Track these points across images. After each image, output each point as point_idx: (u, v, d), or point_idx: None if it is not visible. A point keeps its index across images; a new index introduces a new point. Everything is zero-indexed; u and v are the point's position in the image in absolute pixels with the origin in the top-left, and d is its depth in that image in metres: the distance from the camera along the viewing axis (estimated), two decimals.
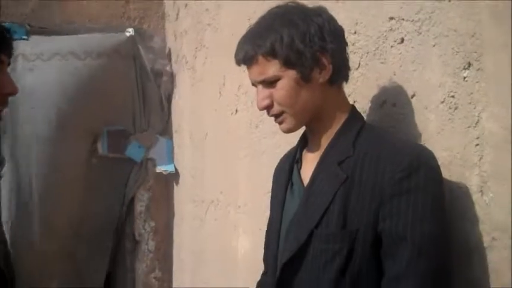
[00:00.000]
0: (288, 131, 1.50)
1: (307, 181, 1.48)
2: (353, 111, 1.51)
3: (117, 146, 3.21)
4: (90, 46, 3.10)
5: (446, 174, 1.43)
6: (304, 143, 1.57)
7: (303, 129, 1.57)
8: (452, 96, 1.42)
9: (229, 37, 2.58)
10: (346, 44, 1.51)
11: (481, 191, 1.35)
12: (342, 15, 1.82)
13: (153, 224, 3.27)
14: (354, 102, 1.77)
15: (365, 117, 1.72)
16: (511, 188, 1.27)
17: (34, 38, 3.05)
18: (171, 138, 3.28)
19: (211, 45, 2.81)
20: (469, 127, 1.38)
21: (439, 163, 1.43)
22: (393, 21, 1.61)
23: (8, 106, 1.51)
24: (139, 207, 3.28)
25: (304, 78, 1.43)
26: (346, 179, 1.38)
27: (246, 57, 1.45)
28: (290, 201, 1.52)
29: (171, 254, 3.32)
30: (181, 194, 3.21)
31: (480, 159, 1.35)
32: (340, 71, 1.48)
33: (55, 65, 3.04)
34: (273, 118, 1.54)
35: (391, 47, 1.62)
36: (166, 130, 3.28)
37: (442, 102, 1.45)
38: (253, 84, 1.50)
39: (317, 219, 1.39)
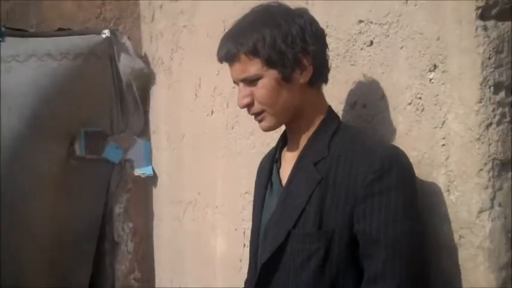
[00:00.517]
0: (268, 129, 1.52)
1: (285, 181, 1.50)
2: (329, 111, 1.53)
3: (94, 147, 3.20)
4: (66, 47, 3.08)
5: (415, 173, 1.47)
6: (283, 143, 1.59)
7: (281, 129, 1.58)
8: (419, 98, 1.46)
9: (205, 39, 2.60)
10: (326, 46, 1.53)
11: (448, 190, 1.38)
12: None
13: (131, 225, 3.27)
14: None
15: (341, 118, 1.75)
16: (475, 187, 1.31)
17: (10, 40, 3.03)
18: (149, 139, 3.29)
19: (187, 47, 2.82)
20: (435, 128, 1.41)
21: None
22: (362, 24, 1.64)
23: None
24: (118, 208, 3.28)
25: (285, 78, 1.45)
26: (321, 180, 1.41)
27: (228, 54, 1.46)
28: (269, 201, 1.54)
29: (150, 255, 3.32)
30: (159, 195, 3.22)
31: (446, 159, 1.38)
32: (321, 73, 1.51)
33: (31, 66, 3.02)
34: (248, 119, 1.55)
35: (361, 49, 1.65)
36: (144, 132, 3.29)
37: (410, 103, 1.49)
38: (234, 82, 1.51)
39: (294, 219, 1.41)
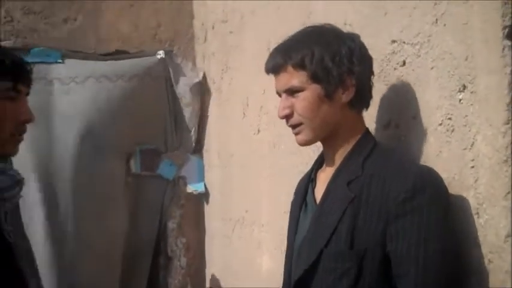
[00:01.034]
0: (304, 143, 1.54)
1: (319, 200, 1.52)
2: (366, 133, 1.55)
3: (149, 164, 3.31)
4: (122, 69, 3.20)
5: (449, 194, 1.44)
6: (319, 164, 1.62)
7: (320, 149, 1.61)
8: (450, 119, 1.44)
9: (251, 58, 2.64)
10: (372, 73, 1.56)
11: (477, 213, 1.35)
12: None
13: (184, 240, 3.34)
14: None
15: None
16: (503, 210, 1.28)
17: (69, 62, 3.17)
18: (201, 157, 3.35)
19: (235, 66, 2.87)
20: (465, 149, 1.39)
21: None
22: (395, 44, 1.64)
23: (26, 132, 1.60)
24: (172, 224, 3.35)
25: (327, 95, 1.48)
26: (353, 198, 1.42)
27: (276, 65, 1.52)
28: (303, 220, 1.56)
29: (203, 270, 3.38)
30: (211, 211, 3.27)
31: (476, 181, 1.35)
32: (363, 96, 1.53)
33: (89, 88, 3.15)
34: (291, 138, 1.58)
35: (394, 69, 1.65)
36: (197, 149, 3.36)
37: (440, 124, 1.47)
38: (277, 93, 1.56)
39: (326, 238, 1.43)
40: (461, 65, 1.39)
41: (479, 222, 1.34)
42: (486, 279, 1.32)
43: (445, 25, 1.44)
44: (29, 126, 2.95)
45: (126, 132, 3.24)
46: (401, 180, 1.38)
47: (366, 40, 1.76)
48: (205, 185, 3.32)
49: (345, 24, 1.87)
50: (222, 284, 3.13)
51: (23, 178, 1.57)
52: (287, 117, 1.52)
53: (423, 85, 1.53)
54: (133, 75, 3.22)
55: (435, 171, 1.44)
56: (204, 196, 3.33)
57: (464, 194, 1.39)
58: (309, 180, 1.61)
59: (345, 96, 1.49)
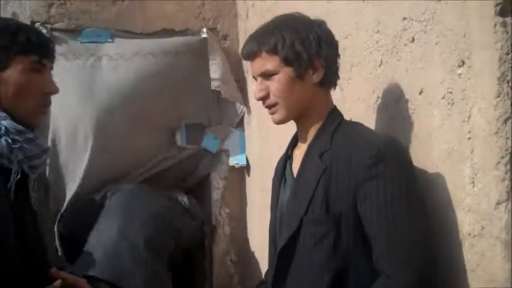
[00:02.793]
0: (279, 122, 1.68)
1: (296, 174, 1.65)
2: (334, 110, 1.69)
3: (194, 138, 3.47)
4: (167, 46, 3.33)
5: (446, 165, 1.52)
6: (295, 142, 1.75)
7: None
8: (450, 93, 1.50)
9: None
10: (338, 55, 1.70)
11: (473, 182, 1.42)
12: (367, 16, 1.93)
13: (227, 210, 3.49)
14: (378, 98, 1.88)
15: (385, 112, 1.83)
16: (493, 179, 1.35)
17: (118, 40, 3.33)
18: (243, 131, 3.48)
19: None
20: (463, 121, 1.45)
21: (441, 155, 1.53)
22: (406, 21, 1.70)
23: (50, 104, 1.71)
24: (216, 195, 3.51)
25: (299, 76, 1.62)
26: (325, 169, 1.56)
27: (250, 52, 1.65)
28: (283, 194, 1.69)
29: (245, 239, 3.53)
30: (251, 183, 3.41)
31: (471, 152, 1.42)
32: (331, 76, 1.68)
33: (136, 64, 3.30)
34: None
35: (405, 45, 1.71)
36: (239, 123, 3.49)
37: (443, 98, 1.53)
38: (253, 77, 1.69)
39: (305, 206, 1.56)
40: (460, 41, 1.45)
41: (474, 190, 1.42)
42: (478, 244, 1.40)
43: (447, 3, 1.50)
44: (79, 100, 3.20)
45: (171, 107, 3.40)
46: (367, 148, 1.52)
47: (380, 17, 1.84)
48: (246, 158, 3.46)
49: (363, 1, 1.94)
50: (259, 254, 3.26)
51: (49, 147, 1.69)
52: (263, 98, 1.65)
53: (429, 60, 1.59)
54: (178, 52, 3.36)
55: (397, 140, 1.59)
56: (246, 168, 3.46)
57: (462, 165, 1.46)
58: (286, 158, 1.75)
59: (315, 77, 1.63)
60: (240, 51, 1.73)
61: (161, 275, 2.99)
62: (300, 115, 1.67)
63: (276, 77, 1.62)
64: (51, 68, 1.72)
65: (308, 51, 1.61)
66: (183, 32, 3.43)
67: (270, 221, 1.77)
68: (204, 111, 3.48)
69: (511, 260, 1.31)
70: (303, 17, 1.69)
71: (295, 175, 1.66)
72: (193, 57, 3.39)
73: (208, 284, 3.57)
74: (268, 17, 2.98)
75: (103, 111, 3.23)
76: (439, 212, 1.54)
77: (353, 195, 1.51)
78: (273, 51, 1.61)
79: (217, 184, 3.53)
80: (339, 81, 2.15)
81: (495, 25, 1.33)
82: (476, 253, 1.41)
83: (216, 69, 3.36)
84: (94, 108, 3.22)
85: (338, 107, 2.14)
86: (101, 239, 2.96)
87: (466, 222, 1.44)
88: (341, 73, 2.13)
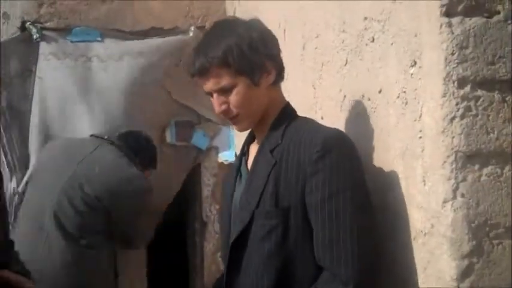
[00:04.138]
0: (243, 130, 1.71)
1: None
2: (286, 106, 1.71)
3: (184, 135, 3.51)
4: (156, 47, 3.38)
5: (401, 164, 1.54)
6: (251, 139, 1.77)
7: None
8: (404, 92, 1.52)
9: None
10: (280, 50, 1.71)
11: (424, 180, 1.44)
12: (334, 15, 1.95)
13: (218, 207, 3.53)
14: (345, 97, 1.90)
15: (351, 110, 1.85)
16: (440, 178, 1.36)
17: (107, 40, 3.39)
18: (232, 128, 3.51)
19: None
20: (415, 121, 1.47)
21: (396, 153, 1.55)
22: (367, 21, 1.72)
23: None
24: (206, 191, 3.56)
25: (255, 83, 1.62)
26: (275, 163, 1.58)
27: (201, 69, 1.61)
28: (239, 189, 1.70)
29: None
30: None
31: (422, 150, 1.44)
32: (281, 73, 1.69)
33: (125, 65, 3.36)
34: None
35: (366, 45, 1.73)
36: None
37: (398, 97, 1.55)
38: (208, 93, 1.67)
39: (257, 200, 1.58)
40: (412, 42, 1.47)
41: (425, 189, 1.43)
42: (428, 242, 1.42)
43: (401, 3, 1.52)
44: (70, 100, 3.25)
45: (161, 106, 3.44)
46: (313, 142, 1.54)
47: (345, 16, 1.86)
48: (235, 154, 3.48)
49: (330, 1, 1.96)
50: None
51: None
52: (225, 112, 1.64)
53: (386, 60, 1.61)
54: (167, 52, 3.41)
55: (343, 132, 1.63)
56: None
57: (415, 163, 1.47)
58: (242, 154, 1.77)
59: (269, 79, 1.65)
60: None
61: None
62: (259, 118, 1.68)
63: (234, 90, 1.61)
64: None
65: (258, 54, 1.61)
66: (172, 31, 3.47)
67: (223, 216, 1.79)
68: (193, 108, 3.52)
69: (458, 258, 1.33)
70: (238, 20, 1.70)
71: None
72: (183, 55, 3.43)
73: (199, 280, 3.62)
74: (254, 15, 3.03)
75: (94, 111, 3.29)
76: (395, 209, 1.55)
77: (301, 189, 1.53)
78: (225, 64, 1.59)
79: (208, 181, 3.57)
80: (311, 80, 2.19)
81: (441, 25, 1.34)
82: (427, 251, 1.42)
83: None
84: (85, 106, 3.27)
85: (310, 105, 2.18)
86: None
87: (418, 220, 1.45)
88: (313, 72, 2.17)
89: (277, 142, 1.62)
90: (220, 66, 1.59)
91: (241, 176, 1.73)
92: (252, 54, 1.60)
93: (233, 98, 1.62)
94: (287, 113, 1.69)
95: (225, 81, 1.61)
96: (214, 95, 1.65)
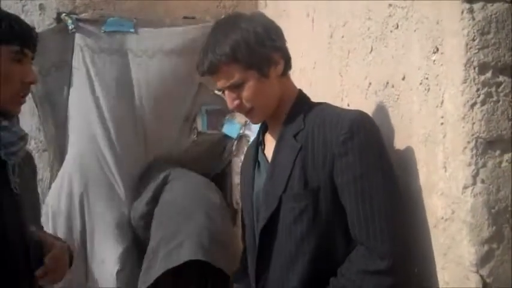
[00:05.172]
0: (258, 122, 1.74)
1: (271, 158, 1.68)
2: (300, 93, 1.73)
3: (215, 123, 3.56)
4: (188, 42, 3.43)
5: (423, 150, 1.55)
6: (264, 128, 1.78)
7: None
8: (427, 78, 1.52)
9: (294, 23, 2.78)
10: (285, 40, 1.72)
11: (445, 166, 1.45)
12: (359, 3, 1.95)
13: None
14: (370, 84, 1.91)
15: (375, 97, 1.86)
16: (460, 164, 1.37)
17: (141, 34, 3.44)
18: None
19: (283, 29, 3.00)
20: (436, 107, 1.48)
21: (419, 140, 1.56)
22: (391, 8, 1.72)
23: (29, 92, 1.73)
24: (237, 179, 3.60)
25: (264, 76, 1.64)
26: (300, 147, 1.60)
27: (210, 67, 1.63)
28: (258, 178, 1.73)
29: None
30: None
31: (444, 136, 1.45)
32: (288, 63, 1.71)
33: (158, 62, 3.43)
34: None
35: (390, 32, 1.73)
36: None
37: (420, 83, 1.56)
38: (219, 90, 1.70)
39: (283, 185, 1.60)
40: (434, 28, 1.47)
41: (446, 175, 1.44)
42: (449, 228, 1.42)
43: None
44: (107, 93, 3.34)
45: (191, 99, 3.51)
46: (339, 125, 1.56)
47: (370, 4, 1.87)
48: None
49: None
50: None
51: (27, 134, 1.71)
52: (238, 107, 1.66)
53: (409, 47, 1.61)
54: (198, 47, 3.44)
55: (368, 115, 1.62)
56: None
57: (436, 149, 1.48)
58: (257, 143, 1.78)
59: (277, 70, 1.67)
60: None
61: None
62: (274, 109, 1.70)
63: (245, 85, 1.63)
64: (33, 58, 1.74)
65: (264, 47, 1.62)
66: (203, 20, 3.50)
67: (245, 207, 1.80)
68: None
69: (477, 244, 1.34)
70: (242, 15, 1.70)
71: (269, 159, 1.70)
72: None
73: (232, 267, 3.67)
74: (284, 6, 3.05)
75: (130, 104, 3.40)
76: (417, 195, 1.56)
77: (329, 170, 1.55)
78: (233, 60, 1.60)
79: (238, 169, 3.60)
80: (338, 68, 2.20)
81: (462, 12, 1.34)
82: (448, 237, 1.43)
83: None
84: (123, 101, 3.37)
85: (337, 92, 2.20)
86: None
87: (439, 206, 1.46)
88: (340, 60, 2.18)
89: (300, 127, 1.64)
90: (229, 63, 1.61)
91: (259, 165, 1.75)
92: (259, 48, 1.62)
93: (245, 93, 1.64)
94: (303, 99, 1.72)
95: (235, 77, 1.62)
96: (226, 92, 1.67)
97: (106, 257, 3.23)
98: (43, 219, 2.70)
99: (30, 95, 2.02)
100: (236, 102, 1.66)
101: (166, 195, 3.27)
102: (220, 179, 3.69)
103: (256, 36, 1.62)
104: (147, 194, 3.29)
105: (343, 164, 1.53)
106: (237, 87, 1.64)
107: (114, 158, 3.34)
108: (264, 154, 1.75)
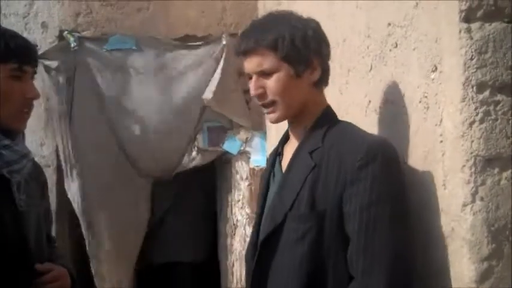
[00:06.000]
0: (276, 120, 1.67)
1: (284, 170, 1.66)
2: (327, 109, 1.68)
3: (215, 140, 3.57)
4: (190, 59, 3.48)
5: (423, 168, 1.56)
6: (285, 139, 1.76)
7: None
8: (426, 97, 1.54)
9: None
10: (330, 55, 1.69)
11: (444, 184, 1.46)
12: (359, 20, 1.97)
13: (249, 211, 3.58)
14: (369, 102, 1.92)
15: (376, 115, 1.87)
16: (460, 182, 1.38)
17: (144, 52, 3.48)
18: (264, 133, 3.55)
19: None
20: (436, 125, 1.49)
21: (418, 158, 1.57)
22: (390, 27, 1.74)
23: (33, 107, 1.73)
24: (238, 196, 3.61)
25: (297, 75, 1.60)
26: (314, 166, 1.56)
27: (247, 48, 1.61)
28: (272, 189, 1.70)
29: None
30: None
31: (443, 154, 1.46)
32: (326, 76, 1.67)
33: (160, 79, 3.48)
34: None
35: (390, 50, 1.75)
36: (260, 126, 3.56)
37: (420, 102, 1.57)
38: (247, 75, 1.66)
39: (291, 202, 1.57)
40: (433, 47, 1.49)
41: (445, 192, 1.45)
42: (448, 245, 1.43)
43: (422, 8, 1.54)
44: (110, 110, 3.39)
45: (193, 115, 3.54)
46: (356, 149, 1.51)
47: (370, 22, 1.89)
48: (267, 160, 3.52)
49: (356, 7, 1.99)
50: None
51: (29, 151, 1.71)
52: (260, 96, 1.63)
53: (408, 65, 1.63)
54: (200, 63, 3.49)
55: (388, 141, 1.57)
56: None
57: (436, 167, 1.49)
58: (276, 154, 1.76)
59: (313, 76, 1.62)
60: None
61: None
62: (295, 114, 1.66)
63: (275, 76, 1.60)
64: (34, 73, 1.73)
65: (308, 49, 1.60)
66: (205, 38, 3.54)
67: (256, 215, 1.78)
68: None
69: (477, 261, 1.34)
70: (297, 15, 1.67)
71: (284, 171, 1.68)
72: (216, 63, 3.50)
73: (230, 282, 3.67)
74: None
75: (132, 120, 3.45)
76: (417, 213, 1.57)
77: (339, 194, 1.52)
78: (273, 47, 1.58)
79: (238, 185, 3.62)
80: (338, 85, 2.22)
81: (460, 31, 1.36)
82: (448, 254, 1.44)
83: (214, 79, 3.47)
84: (125, 117, 3.41)
85: (336, 110, 2.21)
86: None
87: (439, 223, 1.47)
88: (340, 77, 2.20)
89: (317, 145, 1.60)
90: (267, 48, 1.59)
91: (274, 175, 1.74)
92: (302, 47, 1.59)
93: (272, 83, 1.61)
94: (328, 115, 1.67)
95: (268, 63, 1.60)
96: (254, 77, 1.64)
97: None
98: None
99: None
100: (260, 90, 1.63)
101: None
102: (221, 195, 3.71)
103: (304, 36, 1.60)
104: None
105: (354, 191, 1.49)
106: (265, 75, 1.61)
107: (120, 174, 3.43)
108: (281, 165, 1.73)
